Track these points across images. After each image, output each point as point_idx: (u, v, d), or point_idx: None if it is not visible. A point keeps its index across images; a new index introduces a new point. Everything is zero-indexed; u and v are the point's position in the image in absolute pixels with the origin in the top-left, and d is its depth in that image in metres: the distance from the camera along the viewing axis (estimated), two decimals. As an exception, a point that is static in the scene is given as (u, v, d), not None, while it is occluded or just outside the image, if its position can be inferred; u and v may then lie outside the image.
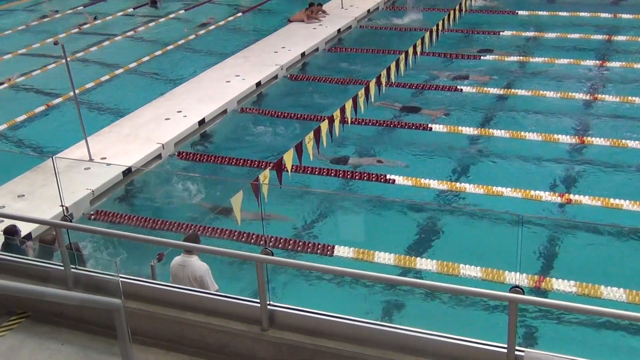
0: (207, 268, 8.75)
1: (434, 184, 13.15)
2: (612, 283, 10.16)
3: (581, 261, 10.98)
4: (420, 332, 6.07)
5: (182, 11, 25.48)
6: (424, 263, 10.97)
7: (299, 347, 6.28)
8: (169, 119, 15.58)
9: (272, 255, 6.94)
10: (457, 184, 13.11)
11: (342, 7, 23.45)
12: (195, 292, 7.08)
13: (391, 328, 6.29)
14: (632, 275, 10.42)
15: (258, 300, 6.44)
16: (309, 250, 11.47)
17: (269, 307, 6.43)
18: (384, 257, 11.10)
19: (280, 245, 11.50)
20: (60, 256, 7.39)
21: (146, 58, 20.54)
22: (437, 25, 18.66)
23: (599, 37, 20.37)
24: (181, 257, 8.84)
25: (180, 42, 21.73)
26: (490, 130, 15.24)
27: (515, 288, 5.86)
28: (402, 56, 16.53)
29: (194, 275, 8.63)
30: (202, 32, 22.76)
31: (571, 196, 12.46)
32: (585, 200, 12.32)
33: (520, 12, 22.87)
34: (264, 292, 6.37)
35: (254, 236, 11.62)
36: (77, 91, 13.73)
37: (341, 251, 11.36)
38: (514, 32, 21.24)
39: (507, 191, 12.69)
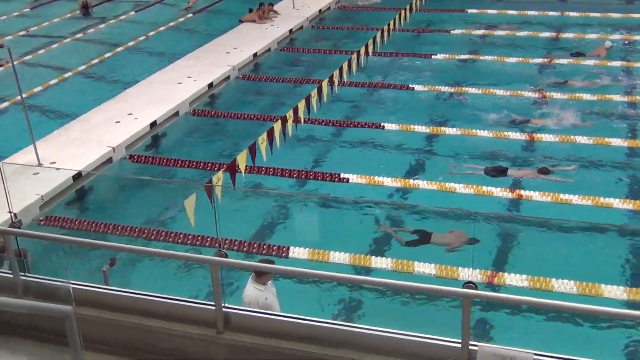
0: (247, 295, 8.35)
1: (388, 181, 13.21)
2: (563, 276, 10.35)
3: (533, 255, 11.14)
4: (376, 330, 6.09)
5: (133, 12, 25.16)
6: (379, 262, 11.02)
7: (255, 349, 6.23)
8: (119, 121, 15.36)
9: (227, 257, 6.88)
10: (411, 182, 13.20)
11: (294, 7, 23.45)
12: (149, 296, 6.98)
13: (348, 327, 6.29)
14: (581, 268, 10.62)
15: (213, 303, 6.38)
16: (264, 251, 11.43)
17: (224, 309, 6.38)
18: (339, 257, 11.12)
19: (235, 248, 11.44)
20: (9, 264, 7.22)
21: (95, 60, 20.25)
22: (388, 25, 18.77)
23: (547, 34, 20.73)
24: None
25: (130, 44, 21.47)
26: (442, 128, 15.38)
27: (469, 284, 5.89)
28: (354, 56, 16.58)
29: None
30: (152, 33, 22.51)
31: (522, 192, 12.65)
32: (536, 196, 12.51)
33: (470, 11, 23.14)
34: (218, 294, 6.31)
35: (208, 239, 11.53)
36: (24, 95, 13.46)
37: (296, 252, 11.34)
38: (464, 30, 21.49)
39: (460, 187, 12.83)
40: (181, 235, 11.72)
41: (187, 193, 10.19)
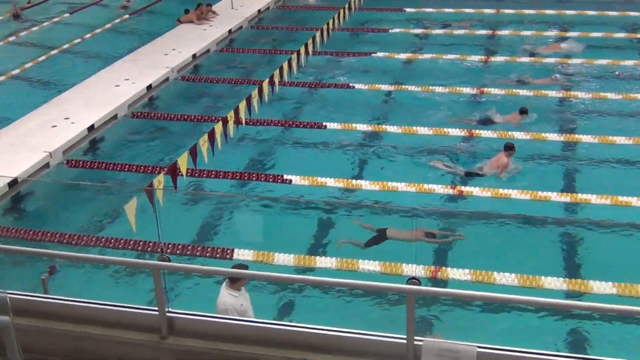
0: (222, 302, 8.26)
1: (331, 182, 13.24)
2: (504, 269, 10.54)
3: (474, 250, 11.32)
4: (321, 330, 6.09)
5: (67, 14, 24.64)
6: (323, 261, 11.04)
7: (200, 353, 6.17)
8: (56, 126, 15.01)
9: (169, 261, 6.79)
10: (353, 181, 13.26)
11: (232, 8, 23.31)
12: (91, 303, 6.84)
13: (293, 327, 6.28)
14: (522, 261, 10.84)
15: (156, 308, 6.29)
16: (207, 254, 11.33)
17: (167, 314, 6.29)
18: (284, 258, 11.10)
19: (178, 251, 11.31)
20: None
21: (29, 64, 19.75)
22: (328, 24, 18.85)
23: (484, 32, 21.09)
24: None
25: (65, 47, 21.02)
26: (384, 126, 15.50)
27: (412, 279, 5.94)
28: (294, 55, 16.60)
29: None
30: (87, 35, 22.08)
31: (462, 188, 12.84)
32: (477, 191, 12.72)
33: (408, 10, 23.37)
34: (161, 299, 6.22)
35: (150, 243, 11.37)
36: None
37: (241, 254, 11.27)
38: (402, 29, 21.69)
39: (402, 186, 12.94)
40: (122, 241, 11.52)
41: (127, 197, 10.03)
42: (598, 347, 9.07)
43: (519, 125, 14.99)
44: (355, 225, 11.96)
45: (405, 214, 11.87)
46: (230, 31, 21.48)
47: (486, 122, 15.22)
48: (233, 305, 8.08)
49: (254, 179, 13.51)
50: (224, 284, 8.32)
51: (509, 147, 13.28)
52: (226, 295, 8.18)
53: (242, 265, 8.50)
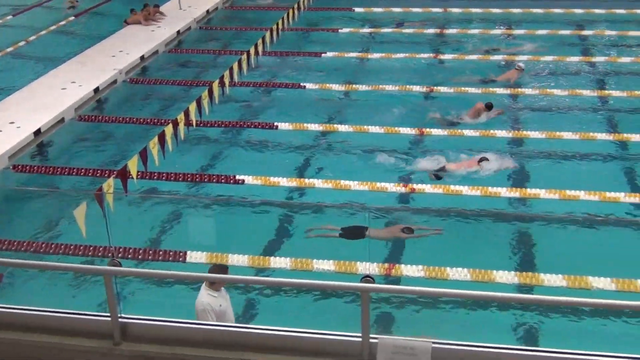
0: (200, 302, 8.17)
1: (284, 181, 13.22)
2: (457, 264, 10.66)
3: (427, 246, 11.41)
4: (276, 330, 6.07)
5: (10, 17, 24.09)
6: (277, 262, 11.01)
7: (154, 358, 6.09)
8: (0, 131, 14.67)
9: (120, 266, 6.69)
10: (306, 180, 13.26)
11: (180, 8, 23.09)
12: (41, 311, 6.69)
13: (247, 329, 6.25)
14: (474, 256, 10.98)
15: (108, 314, 6.19)
16: (160, 258, 11.20)
17: (120, 319, 6.19)
18: (238, 259, 11.03)
19: (129, 256, 11.15)
20: None
21: (-29, 68, 19.29)
22: (277, 24, 18.81)
23: (432, 30, 21.28)
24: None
25: (9, 50, 20.54)
26: (335, 125, 15.53)
27: (366, 277, 5.96)
28: (244, 56, 16.53)
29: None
30: (32, 37, 21.63)
31: (414, 185, 12.93)
32: (429, 189, 12.83)
33: (357, 9, 23.45)
34: (113, 304, 6.12)
35: (100, 249, 11.18)
36: None
37: (194, 257, 11.17)
38: (352, 28, 21.76)
39: (354, 184, 12.98)
40: (72, 247, 11.31)
41: (77, 202, 9.86)
42: (547, 339, 9.24)
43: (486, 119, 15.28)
44: (311, 226, 11.97)
45: (356, 212, 11.92)
46: (178, 32, 21.27)
47: (455, 122, 15.41)
48: (211, 306, 8.02)
49: (206, 180, 13.41)
50: (204, 284, 8.24)
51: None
52: (205, 296, 8.11)
53: (222, 267, 8.41)
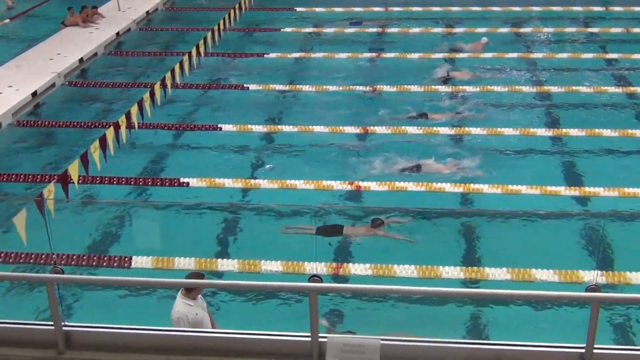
0: (175, 311, 8.04)
1: (229, 183, 13.13)
2: (404, 262, 10.75)
3: (374, 245, 11.47)
4: (224, 333, 6.02)
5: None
6: (225, 264, 10.93)
7: (100, 366, 5.98)
8: None
9: (63, 273, 6.55)
10: (252, 181, 13.20)
11: (119, 10, 22.73)
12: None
13: (194, 332, 6.19)
14: (420, 253, 11.09)
15: (52, 323, 6.05)
16: (104, 264, 11.00)
17: (64, 328, 6.06)
18: (184, 263, 10.91)
19: (73, 262, 10.93)
20: None
21: None
22: (219, 25, 18.68)
23: (373, 30, 21.42)
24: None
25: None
26: (279, 126, 15.50)
27: (314, 277, 5.96)
28: (186, 57, 16.38)
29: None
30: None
31: (361, 183, 12.99)
32: (374, 186, 12.90)
33: (299, 9, 23.46)
34: (57, 313, 5.98)
35: (42, 256, 10.92)
36: None
37: (139, 261, 11.00)
38: (294, 28, 21.75)
39: (301, 184, 12.98)
40: (12, 255, 11.02)
41: (16, 209, 9.63)
42: (494, 332, 9.39)
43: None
44: (260, 228, 11.92)
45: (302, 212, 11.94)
46: (118, 34, 20.94)
47: (421, 117, 15.53)
48: (186, 315, 7.92)
49: (149, 184, 13.22)
50: (180, 292, 8.12)
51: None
52: (181, 304, 8.01)
53: (199, 275, 8.31)
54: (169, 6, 24.36)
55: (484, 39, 19.29)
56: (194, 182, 13.14)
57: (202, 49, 17.41)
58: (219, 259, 11.06)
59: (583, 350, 5.44)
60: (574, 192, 12.59)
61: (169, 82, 15.18)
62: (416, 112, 15.65)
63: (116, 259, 11.08)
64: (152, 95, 14.30)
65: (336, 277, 10.64)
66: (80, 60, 18.79)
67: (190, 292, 8.01)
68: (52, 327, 6.02)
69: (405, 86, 17.15)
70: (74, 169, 11.39)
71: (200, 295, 8.19)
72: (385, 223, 11.55)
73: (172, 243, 11.55)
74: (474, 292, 9.89)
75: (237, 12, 20.78)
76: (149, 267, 10.92)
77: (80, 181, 11.65)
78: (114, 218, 12.35)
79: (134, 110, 13.50)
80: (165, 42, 21.10)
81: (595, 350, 5.41)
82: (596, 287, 5.48)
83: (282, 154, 14.43)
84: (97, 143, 12.14)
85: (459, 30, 21.05)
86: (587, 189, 12.61)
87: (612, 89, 16.74)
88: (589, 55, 18.87)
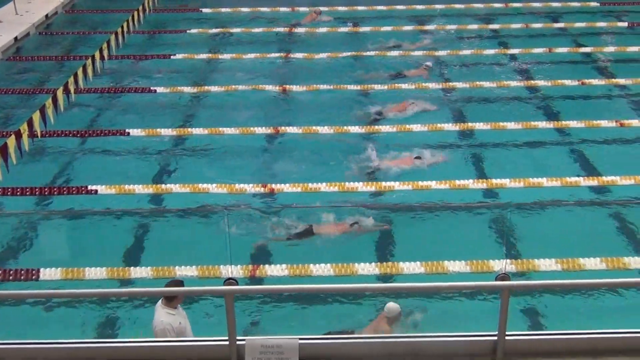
0: (160, 322, 7.80)
1: (139, 188, 12.87)
2: (320, 261, 10.81)
3: (290, 244, 11.48)
4: (138, 342, 5.90)
5: None
6: (137, 271, 10.70)
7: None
8: None
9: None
10: (163, 187, 12.98)
11: (17, 13, 21.90)
12: None
13: (105, 343, 6.05)
14: (336, 251, 11.18)
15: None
16: (11, 277, 10.59)
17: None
18: (95, 273, 10.62)
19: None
20: None
21: None
22: (122, 27, 18.28)
23: (281, 29, 21.40)
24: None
25: None
26: (189, 129, 15.30)
27: (229, 280, 5.91)
28: (89, 61, 15.95)
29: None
30: None
31: (273, 185, 12.95)
32: (287, 188, 12.89)
33: (204, 10, 23.21)
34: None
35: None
36: None
37: (47, 273, 10.64)
38: (200, 29, 21.49)
39: (213, 187, 12.85)
40: None
41: None
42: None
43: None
44: (171, 232, 11.73)
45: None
46: (16, 38, 20.18)
47: (379, 115, 15.67)
48: (171, 325, 7.77)
49: (55, 193, 12.80)
50: (160, 302, 7.93)
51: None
52: (163, 315, 7.82)
53: (178, 282, 8.08)
54: (70, 9, 23.65)
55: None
56: (102, 189, 12.80)
57: (105, 52, 17.00)
58: (132, 267, 10.82)
59: (495, 338, 5.58)
60: (482, 184, 12.94)
61: (72, 87, 14.76)
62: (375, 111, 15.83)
63: (22, 272, 10.68)
64: (55, 101, 13.88)
65: (252, 279, 10.59)
66: (-23, 66, 18.05)
67: (171, 301, 7.89)
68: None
69: (315, 85, 17.20)
70: (-27, 180, 10.94)
71: (180, 305, 8.06)
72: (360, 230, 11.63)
73: (82, 253, 11.25)
74: (388, 286, 10.03)
75: (140, 13, 20.39)
76: (57, 278, 10.58)
77: (-20, 193, 11.19)
78: (20, 230, 11.90)
79: (36, 117, 13.07)
80: (67, 46, 20.46)
81: (507, 337, 5.56)
82: (505, 276, 5.64)
83: (193, 157, 14.23)
84: (-3, 152, 11.69)
85: (365, 29, 21.28)
86: (494, 180, 12.99)
87: (514, 83, 17.29)
88: (491, 51, 19.44)
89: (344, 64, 18.67)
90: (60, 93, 14.07)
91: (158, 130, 15.08)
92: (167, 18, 22.55)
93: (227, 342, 5.64)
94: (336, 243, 11.41)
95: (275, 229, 11.73)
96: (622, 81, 17.18)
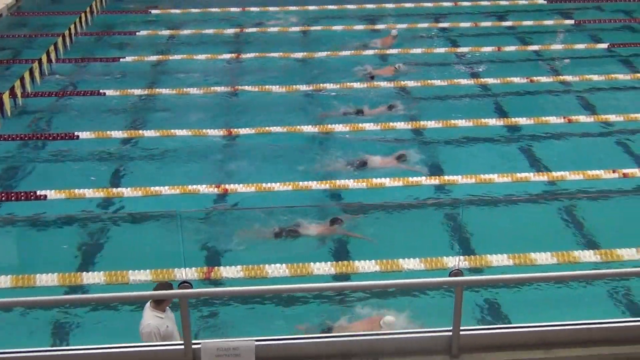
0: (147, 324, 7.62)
1: (90, 193, 12.67)
2: (275, 261, 10.79)
3: (248, 245, 11.44)
4: (95, 349, 5.81)
5: None
6: (90, 277, 10.54)
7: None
8: None
9: None
10: (114, 190, 12.79)
11: (-41, 17, 21.42)
12: None
13: (64, 351, 5.93)
14: (289, 250, 11.18)
15: None
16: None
17: None
18: (46, 279, 10.43)
19: None
20: None
21: None
22: (70, 29, 17.96)
23: (232, 30, 21.29)
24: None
25: None
26: (140, 131, 15.11)
27: (184, 283, 5.86)
28: (36, 64, 15.65)
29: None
30: None
31: (227, 186, 12.89)
32: (241, 188, 12.83)
33: (154, 11, 22.96)
34: None
35: None
36: None
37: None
38: (150, 31, 21.26)
39: (165, 190, 12.72)
40: None
41: None
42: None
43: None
44: (123, 237, 11.59)
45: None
46: (-41, 42, 19.71)
47: (358, 114, 15.66)
48: (158, 328, 7.60)
49: (3, 199, 12.52)
50: (148, 305, 7.75)
51: None
52: (151, 317, 7.65)
53: (167, 285, 7.94)
54: (15, 11, 23.14)
55: (394, 32, 19.41)
56: (51, 194, 12.57)
57: (53, 55, 16.70)
58: (84, 273, 10.65)
59: (450, 334, 5.64)
60: (434, 181, 13.07)
61: (19, 91, 14.46)
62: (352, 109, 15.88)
63: (-30, 281, 10.44)
64: (1, 105, 13.57)
65: (207, 281, 10.51)
66: None
67: (160, 304, 7.73)
68: None
69: (267, 86, 17.14)
70: None
71: (168, 308, 7.91)
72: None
73: (32, 260, 11.04)
74: (343, 285, 10.08)
75: (88, 15, 20.07)
76: (8, 286, 10.35)
77: None
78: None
79: (-18, 122, 12.78)
80: (13, 49, 20.01)
81: (462, 332, 5.62)
82: (459, 272, 5.69)
83: (145, 160, 14.07)
84: (-59, 159, 11.39)
85: (315, 28, 21.30)
86: (446, 177, 13.13)
87: (464, 81, 17.49)
88: (442, 50, 19.64)
89: (296, 63, 18.65)
90: (6, 97, 13.79)
91: (108, 132, 14.87)
92: (116, 20, 22.25)
93: (182, 347, 5.59)
94: (293, 245, 11.39)
95: (232, 230, 11.67)
96: (569, 78, 17.52)
